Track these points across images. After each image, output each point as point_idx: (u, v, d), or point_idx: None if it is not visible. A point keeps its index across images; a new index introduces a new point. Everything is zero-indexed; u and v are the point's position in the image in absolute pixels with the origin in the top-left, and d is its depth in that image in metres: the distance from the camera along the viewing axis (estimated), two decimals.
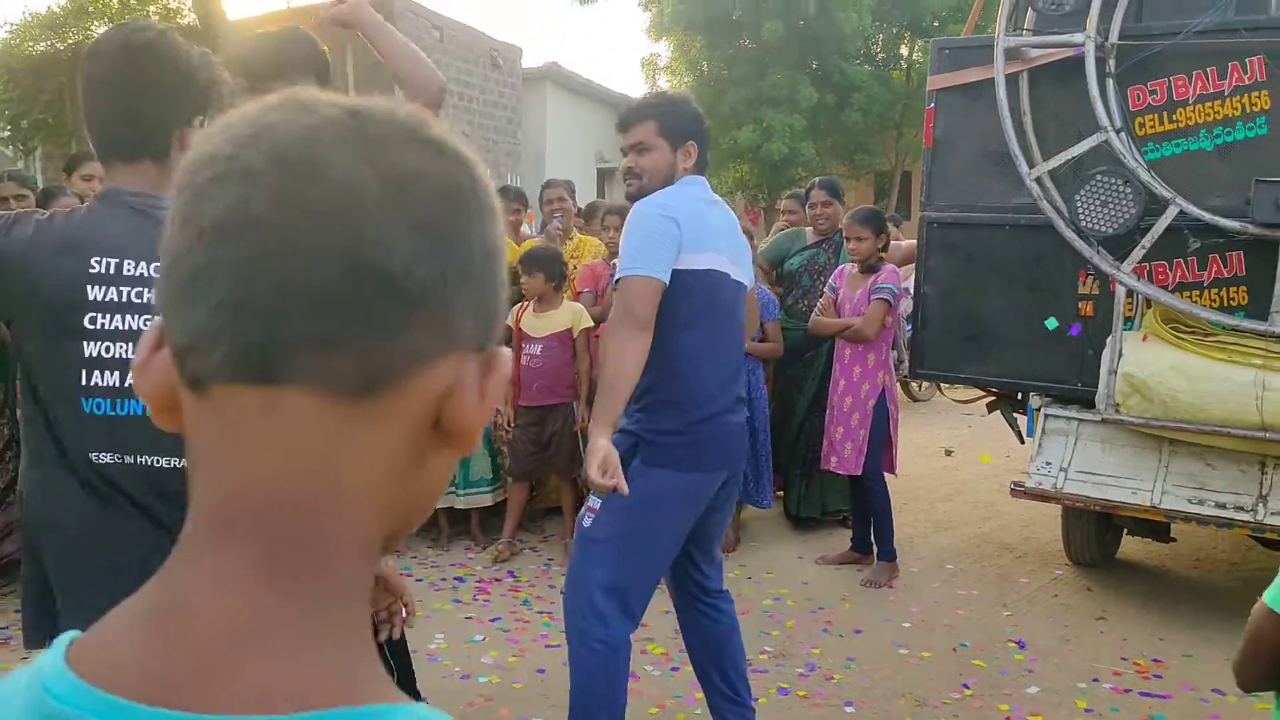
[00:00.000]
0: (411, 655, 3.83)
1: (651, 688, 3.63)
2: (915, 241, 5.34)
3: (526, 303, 5.09)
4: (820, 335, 5.02)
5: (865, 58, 20.58)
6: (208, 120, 1.80)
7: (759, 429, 5.19)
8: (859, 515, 4.99)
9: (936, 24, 19.47)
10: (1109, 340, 4.07)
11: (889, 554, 4.75)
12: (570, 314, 5.03)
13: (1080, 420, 4.20)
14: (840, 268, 4.99)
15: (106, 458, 1.71)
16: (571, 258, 5.60)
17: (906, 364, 5.51)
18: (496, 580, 4.74)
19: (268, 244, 0.49)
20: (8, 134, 12.68)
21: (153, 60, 1.76)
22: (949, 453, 7.34)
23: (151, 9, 12.60)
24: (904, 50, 20.98)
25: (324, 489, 0.52)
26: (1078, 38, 4.06)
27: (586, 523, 2.77)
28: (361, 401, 0.51)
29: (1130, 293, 4.04)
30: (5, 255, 1.69)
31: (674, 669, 3.77)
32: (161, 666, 0.48)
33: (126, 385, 1.70)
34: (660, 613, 4.33)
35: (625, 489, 2.55)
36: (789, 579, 4.79)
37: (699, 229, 2.76)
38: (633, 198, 2.89)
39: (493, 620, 4.23)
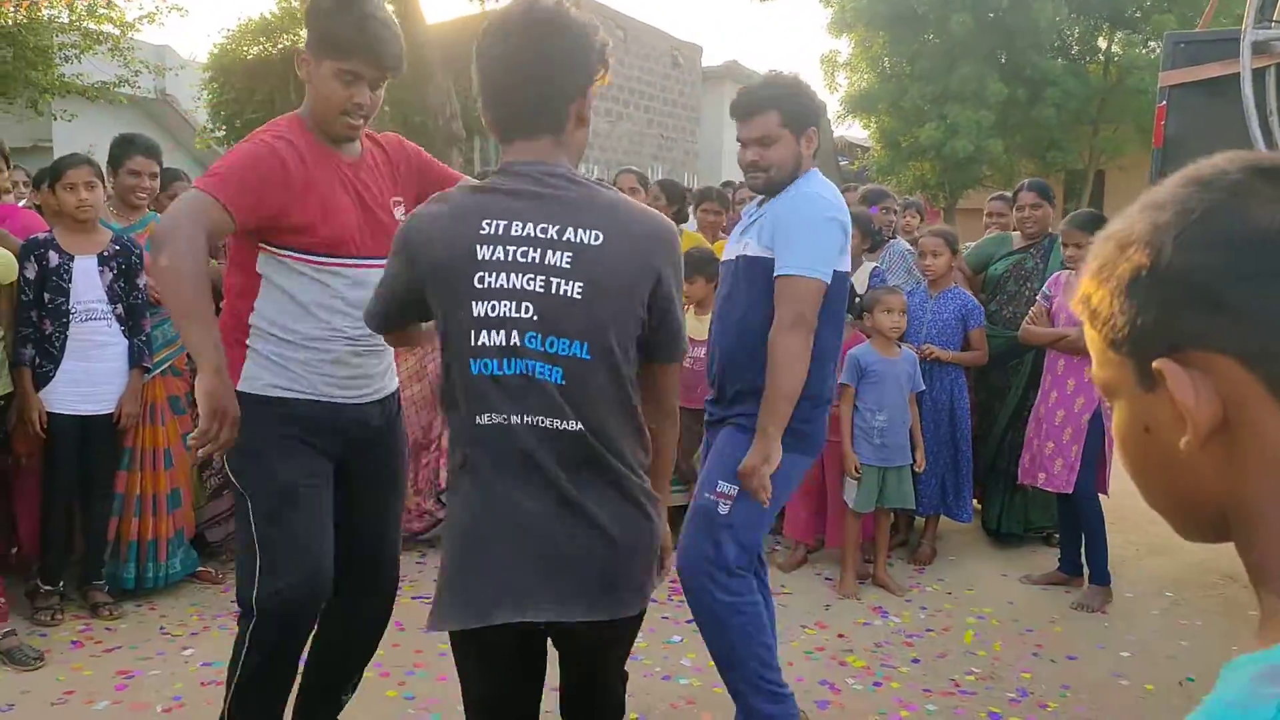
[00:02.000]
0: None
1: (854, 701, 3.54)
2: None
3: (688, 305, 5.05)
4: (1032, 344, 4.80)
5: (1059, 51, 19.68)
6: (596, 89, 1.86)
7: (960, 439, 5.02)
8: (1068, 535, 4.75)
9: (1139, 14, 18.45)
10: None
11: (1103, 577, 4.50)
12: None
13: None
14: (1056, 275, 4.75)
15: (485, 419, 1.76)
16: None
17: None
18: None
19: None
20: (223, 133, 13.53)
21: (556, 33, 1.77)
22: None
23: None
24: (1101, 43, 19.94)
25: None
26: None
27: (723, 510, 2.88)
28: None
29: None
30: (413, 232, 1.80)
31: (876, 684, 3.67)
32: None
33: (511, 344, 1.72)
34: (858, 624, 4.24)
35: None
36: (992, 597, 4.60)
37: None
38: (760, 191, 2.90)
39: (688, 621, 4.21)
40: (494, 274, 1.71)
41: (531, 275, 1.71)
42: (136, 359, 4.07)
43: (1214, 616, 4.37)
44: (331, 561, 2.47)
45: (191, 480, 4.49)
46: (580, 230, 1.72)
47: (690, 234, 5.68)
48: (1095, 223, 4.49)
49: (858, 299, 4.83)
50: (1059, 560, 4.81)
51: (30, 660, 3.59)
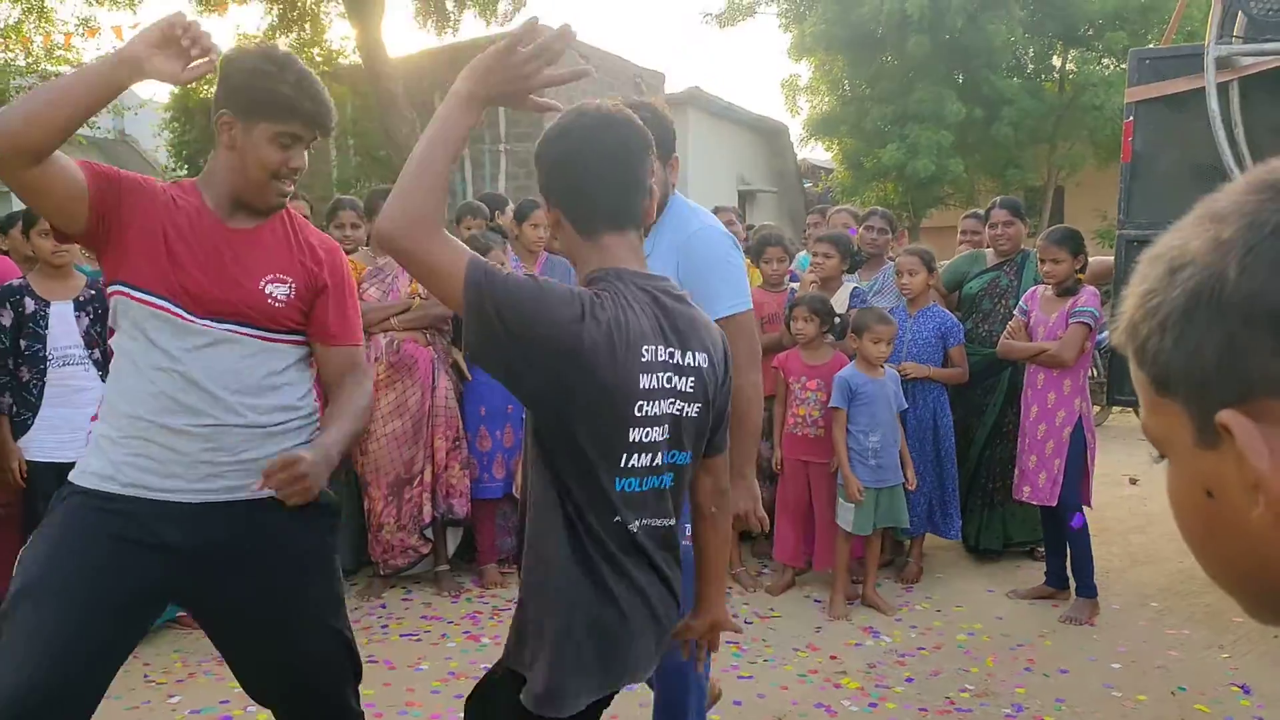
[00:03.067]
0: None
1: None
2: (1105, 259, 5.13)
3: None
4: (1011, 360, 4.85)
5: (1015, 70, 19.98)
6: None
7: (945, 457, 5.05)
8: (1054, 548, 4.78)
9: (1091, 32, 18.78)
10: None
11: (1089, 590, 4.53)
12: None
13: None
14: (1032, 290, 4.80)
15: (608, 519, 1.78)
16: None
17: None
18: None
19: None
20: (185, 172, 13.42)
21: (639, 133, 1.82)
22: (1134, 481, 6.99)
23: (315, 51, 13.16)
24: (1056, 61, 20.28)
25: None
26: None
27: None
28: None
29: None
30: (580, 348, 1.66)
31: (872, 704, 3.66)
32: None
33: (654, 464, 1.78)
34: (850, 645, 4.23)
35: None
36: (981, 613, 4.62)
37: None
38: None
39: None
40: (651, 402, 1.75)
41: (671, 400, 1.78)
42: None
43: (1200, 625, 4.41)
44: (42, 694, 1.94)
45: None
46: (693, 354, 1.82)
47: None
48: (1071, 238, 4.54)
49: (837, 319, 4.86)
50: (1045, 574, 4.84)
51: None
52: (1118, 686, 3.81)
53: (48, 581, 2.02)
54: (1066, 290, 4.54)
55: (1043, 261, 4.58)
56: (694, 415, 1.83)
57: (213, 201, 2.20)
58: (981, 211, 5.84)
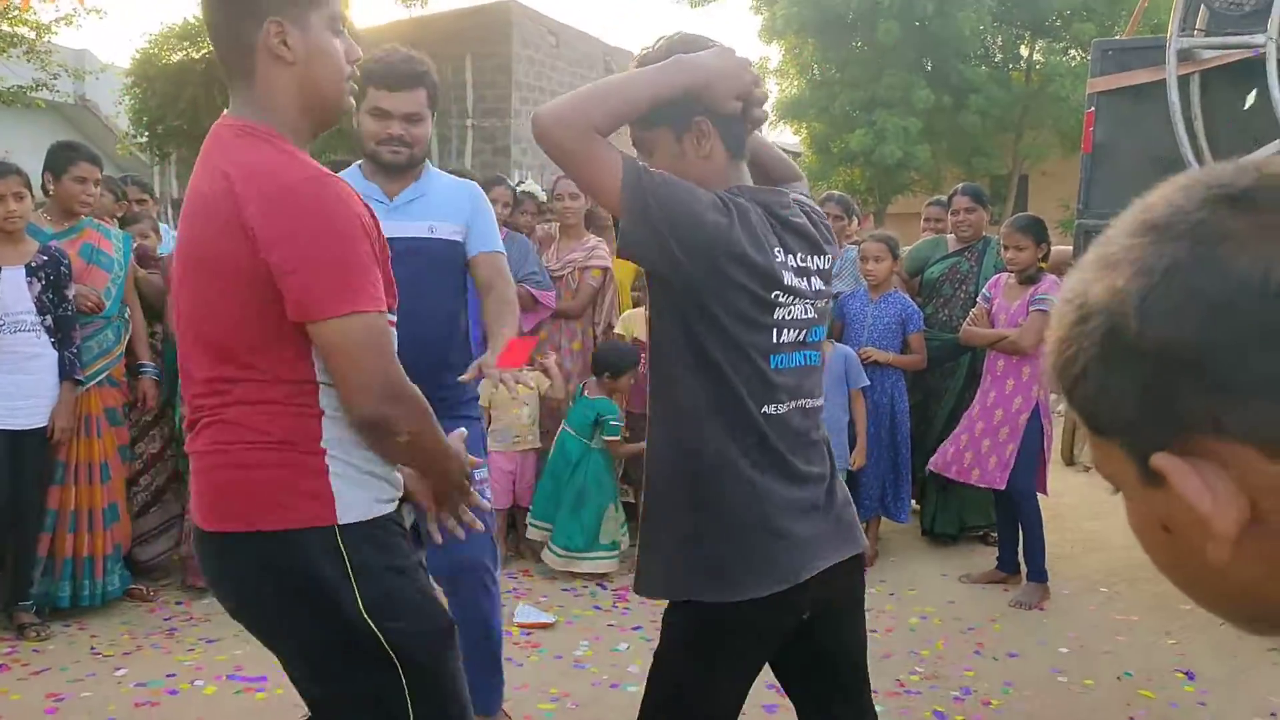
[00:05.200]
0: (558, 659, 3.85)
1: None
2: (1066, 249, 5.17)
3: None
4: (973, 345, 4.88)
5: (983, 59, 20.10)
6: None
7: (900, 442, 5.08)
8: (1006, 533, 4.83)
9: (1059, 23, 18.92)
10: None
11: (1040, 575, 4.58)
12: None
13: None
14: (995, 278, 4.83)
15: (771, 409, 1.88)
16: None
17: None
18: None
19: None
20: (145, 139, 13.18)
21: None
22: (1088, 468, 7.08)
23: None
24: (1024, 51, 20.42)
25: None
26: (1258, 39, 3.87)
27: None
28: None
29: None
30: (731, 235, 1.79)
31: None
32: None
33: (800, 339, 1.93)
34: None
35: None
36: (933, 597, 4.66)
37: None
38: (401, 168, 2.84)
39: (635, 628, 4.20)
40: (787, 287, 1.89)
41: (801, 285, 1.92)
42: (67, 372, 3.94)
43: (1148, 611, 4.47)
44: None
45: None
46: (806, 256, 1.95)
47: None
48: (1034, 226, 4.57)
49: None
50: (997, 559, 4.89)
51: None
52: (1065, 671, 3.86)
53: None
54: (1029, 278, 4.57)
55: (1006, 248, 4.61)
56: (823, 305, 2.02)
57: None
58: (944, 198, 5.87)
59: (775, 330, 1.88)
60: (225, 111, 1.75)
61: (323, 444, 1.68)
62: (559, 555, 4.79)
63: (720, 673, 1.94)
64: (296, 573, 1.68)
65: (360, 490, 1.72)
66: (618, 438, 4.81)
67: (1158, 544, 0.63)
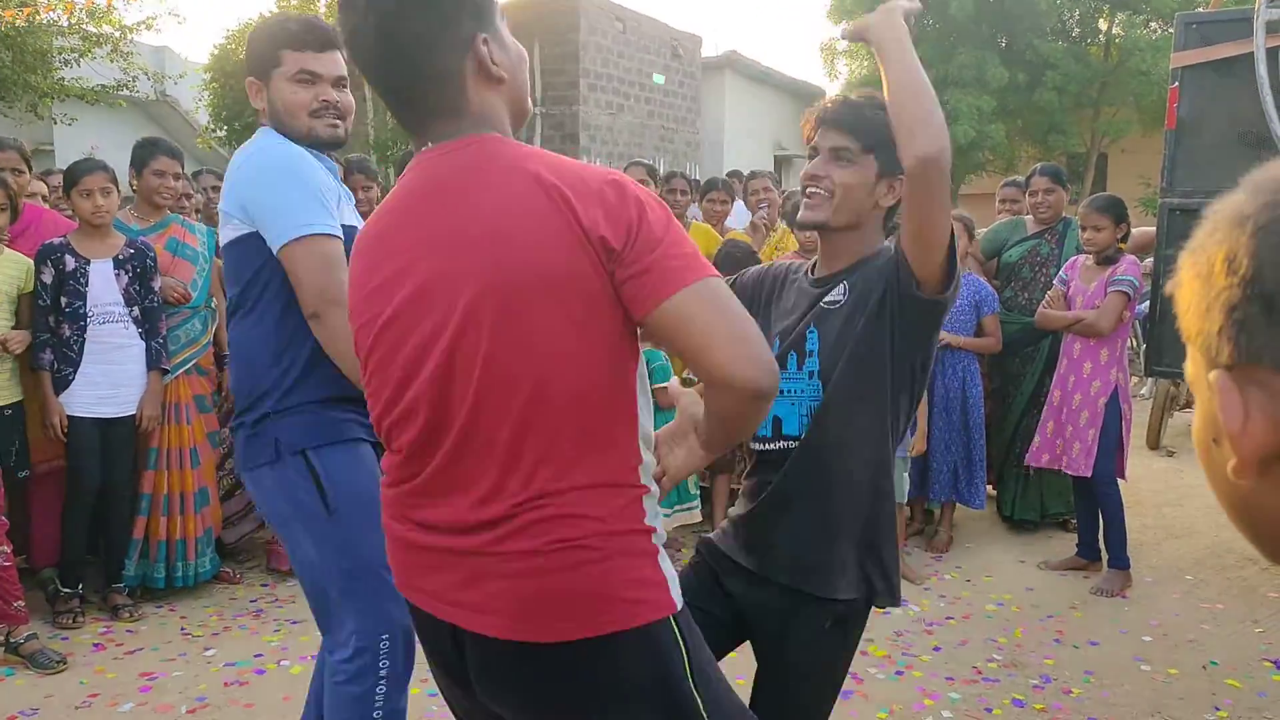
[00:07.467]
0: None
1: (878, 690, 3.53)
2: (1148, 229, 5.05)
3: None
4: (1048, 329, 4.79)
5: (1060, 33, 19.62)
6: None
7: (973, 427, 5.01)
8: (1086, 520, 4.74)
9: None
10: None
11: (1122, 562, 4.49)
12: None
13: None
14: (1072, 259, 4.73)
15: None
16: (775, 249, 5.51)
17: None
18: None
19: None
20: (225, 133, 13.49)
21: None
22: (1171, 453, 6.92)
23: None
24: (1102, 24, 19.87)
25: None
26: None
27: None
28: None
29: None
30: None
31: (898, 672, 3.67)
32: None
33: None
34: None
35: None
36: (1011, 584, 4.60)
37: None
38: (341, 142, 2.45)
39: None
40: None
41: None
42: (155, 361, 4.07)
43: (1234, 599, 4.37)
44: None
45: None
46: None
47: (699, 226, 5.65)
48: (1114, 205, 4.47)
49: None
50: (1077, 545, 4.80)
51: (53, 664, 3.60)
52: (1148, 660, 3.79)
53: None
54: (1107, 259, 4.47)
55: (1084, 229, 4.51)
56: None
57: None
58: (1021, 179, 5.76)
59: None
60: (425, 149, 1.50)
61: (648, 521, 1.45)
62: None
63: None
64: (646, 673, 1.43)
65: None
66: (664, 385, 4.80)
67: (1205, 452, 0.68)
